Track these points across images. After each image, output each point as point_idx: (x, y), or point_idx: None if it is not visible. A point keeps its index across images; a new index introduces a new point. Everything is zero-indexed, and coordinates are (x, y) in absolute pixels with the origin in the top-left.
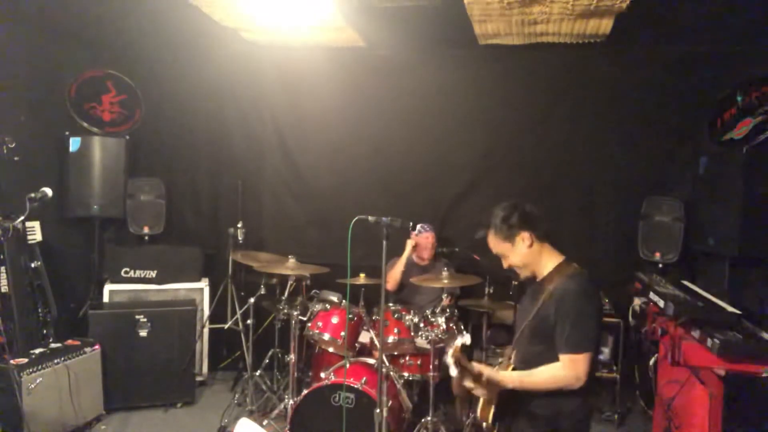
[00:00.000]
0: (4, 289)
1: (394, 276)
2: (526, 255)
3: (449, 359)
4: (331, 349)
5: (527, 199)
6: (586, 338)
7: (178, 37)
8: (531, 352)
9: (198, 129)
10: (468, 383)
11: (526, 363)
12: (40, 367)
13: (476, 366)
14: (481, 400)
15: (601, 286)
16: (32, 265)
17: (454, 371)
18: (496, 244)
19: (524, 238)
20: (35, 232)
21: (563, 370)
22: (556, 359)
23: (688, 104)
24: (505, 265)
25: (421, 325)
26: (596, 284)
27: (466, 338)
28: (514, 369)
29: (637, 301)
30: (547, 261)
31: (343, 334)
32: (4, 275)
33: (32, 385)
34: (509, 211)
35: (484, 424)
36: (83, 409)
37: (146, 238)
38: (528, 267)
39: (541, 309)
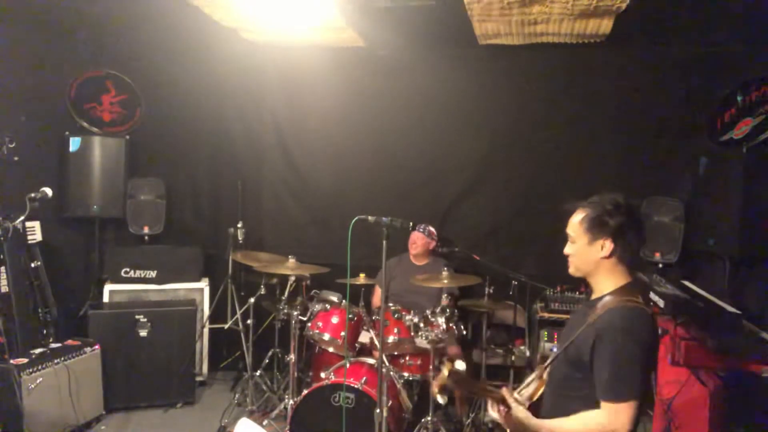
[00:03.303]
0: (4, 289)
1: (375, 302)
2: (592, 262)
3: (435, 389)
4: (331, 349)
5: (530, 198)
6: (629, 383)
7: (178, 37)
8: (560, 373)
9: (198, 129)
10: (478, 393)
11: (551, 383)
12: (40, 367)
13: (503, 392)
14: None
15: None
16: (32, 265)
17: (441, 400)
18: (576, 227)
19: (605, 245)
20: (35, 232)
21: (601, 419)
22: (583, 388)
23: (688, 104)
24: (566, 249)
25: (421, 325)
26: (648, 320)
27: (459, 365)
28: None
29: None
30: (608, 280)
31: (343, 334)
32: (4, 275)
33: (32, 385)
34: (615, 210)
35: None
36: (83, 409)
37: (146, 238)
38: (583, 272)
39: (582, 334)
